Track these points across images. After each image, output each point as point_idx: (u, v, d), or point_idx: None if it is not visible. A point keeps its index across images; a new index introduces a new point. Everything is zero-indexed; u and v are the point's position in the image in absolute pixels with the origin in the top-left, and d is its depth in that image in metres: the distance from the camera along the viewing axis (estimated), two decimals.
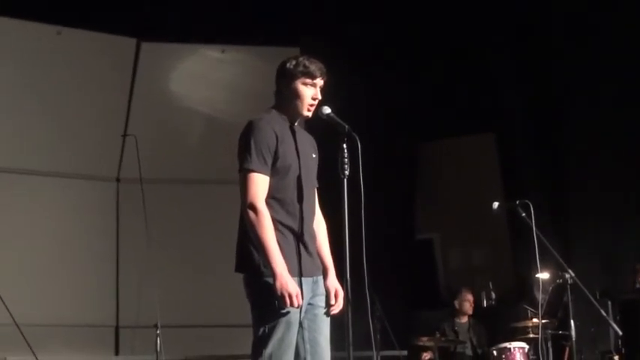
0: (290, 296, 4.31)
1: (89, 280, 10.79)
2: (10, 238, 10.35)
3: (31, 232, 10.53)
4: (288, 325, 4.41)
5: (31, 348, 7.62)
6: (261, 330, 4.41)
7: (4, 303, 7.41)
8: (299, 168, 4.55)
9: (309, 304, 4.55)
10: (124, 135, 10.50)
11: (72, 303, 10.56)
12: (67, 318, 10.50)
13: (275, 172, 4.50)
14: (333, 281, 4.68)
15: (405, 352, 9.42)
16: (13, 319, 7.48)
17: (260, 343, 4.42)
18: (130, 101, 10.98)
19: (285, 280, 4.31)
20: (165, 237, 10.66)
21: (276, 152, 4.49)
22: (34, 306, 9.94)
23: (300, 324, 4.49)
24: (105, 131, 10.86)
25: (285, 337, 4.41)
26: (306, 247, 4.54)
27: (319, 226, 4.76)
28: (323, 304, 4.62)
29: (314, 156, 4.73)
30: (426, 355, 9.24)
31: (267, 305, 4.37)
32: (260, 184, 4.45)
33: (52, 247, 10.65)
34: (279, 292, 4.31)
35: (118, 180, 11.33)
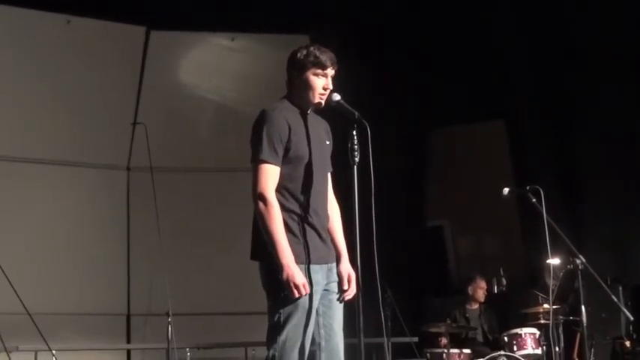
0: (297, 286, 4.34)
1: (100, 268, 10.84)
2: (20, 227, 10.39)
3: (42, 221, 10.57)
4: (304, 312, 4.44)
5: (43, 336, 7.63)
6: (277, 316, 4.44)
7: (15, 292, 7.42)
8: (311, 157, 4.56)
9: (325, 290, 4.57)
10: (134, 123, 10.52)
11: (83, 291, 10.61)
12: (79, 306, 10.55)
13: (287, 162, 4.51)
14: (346, 266, 4.70)
15: (415, 339, 9.43)
16: (25, 308, 7.49)
17: (275, 329, 4.45)
18: (139, 90, 11.00)
19: (292, 270, 4.35)
20: (176, 225, 10.68)
21: (288, 142, 4.50)
22: (45, 295, 9.99)
23: (316, 310, 4.52)
24: (115, 120, 10.88)
25: (300, 323, 4.44)
26: (319, 235, 4.56)
27: (333, 211, 4.77)
28: (337, 290, 4.64)
29: (327, 142, 4.75)
30: (444, 340, 9.24)
31: (283, 293, 4.39)
32: (270, 175, 4.47)
33: (63, 235, 10.70)
34: (285, 283, 4.34)
35: (128, 169, 11.38)
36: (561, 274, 8.09)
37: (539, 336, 8.91)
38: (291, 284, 4.33)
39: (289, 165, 4.52)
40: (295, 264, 4.38)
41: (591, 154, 10.43)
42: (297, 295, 4.36)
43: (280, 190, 4.50)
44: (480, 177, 11.49)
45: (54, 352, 8.06)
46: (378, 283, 4.61)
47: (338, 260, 4.69)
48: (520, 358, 8.76)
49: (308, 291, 4.39)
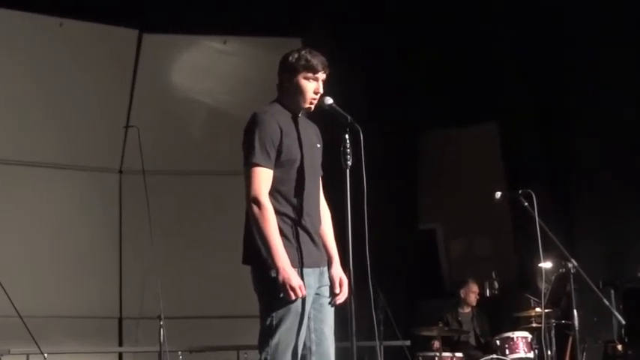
0: (293, 289, 4.34)
1: (92, 271, 10.81)
2: (12, 229, 10.36)
3: (34, 224, 10.54)
4: (296, 315, 4.44)
5: (34, 340, 7.62)
6: (269, 320, 4.44)
7: (7, 295, 7.41)
8: (303, 160, 4.57)
9: (316, 294, 4.58)
10: (127, 126, 10.51)
11: (75, 294, 10.58)
12: (71, 309, 10.52)
13: (279, 165, 4.52)
14: (337, 270, 4.69)
15: (408, 343, 9.42)
16: (17, 311, 7.48)
17: (267, 332, 4.45)
18: (132, 92, 10.99)
19: (288, 273, 4.35)
20: (168, 228, 10.67)
21: (280, 145, 4.51)
22: (37, 298, 9.97)
23: (307, 314, 4.51)
24: (107, 123, 10.87)
25: (292, 327, 4.44)
26: (311, 238, 4.57)
27: (324, 214, 4.77)
28: (328, 294, 4.64)
29: (318, 146, 4.75)
30: (436, 344, 9.25)
31: (275, 296, 4.39)
32: (264, 179, 4.47)
33: (55, 238, 10.67)
34: (282, 286, 4.34)
35: (120, 171, 11.35)
36: (553, 277, 8.11)
37: (532, 339, 8.92)
38: (288, 287, 4.33)
39: (281, 168, 4.53)
40: (291, 267, 4.38)
41: (584, 157, 10.43)
42: (294, 297, 4.36)
43: (273, 193, 4.50)
44: (472, 180, 11.50)
45: (46, 355, 8.03)
46: (370, 286, 4.61)
47: (329, 264, 4.69)
48: None
49: (305, 293, 4.40)
